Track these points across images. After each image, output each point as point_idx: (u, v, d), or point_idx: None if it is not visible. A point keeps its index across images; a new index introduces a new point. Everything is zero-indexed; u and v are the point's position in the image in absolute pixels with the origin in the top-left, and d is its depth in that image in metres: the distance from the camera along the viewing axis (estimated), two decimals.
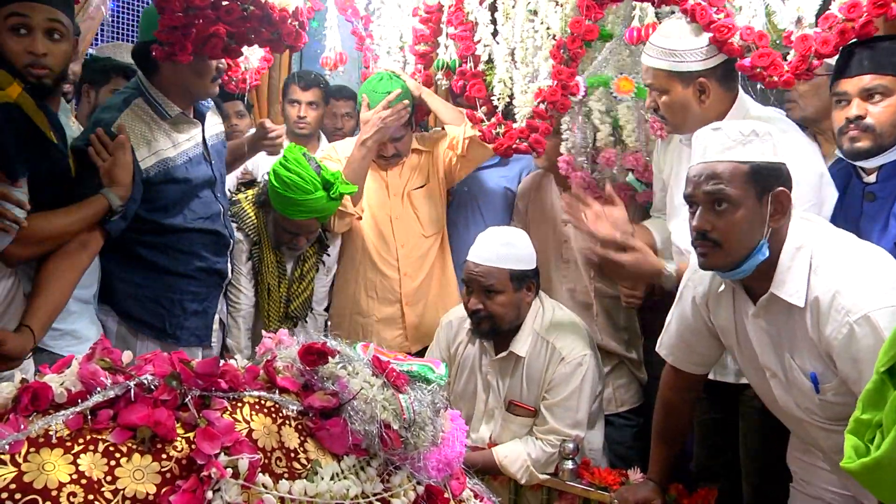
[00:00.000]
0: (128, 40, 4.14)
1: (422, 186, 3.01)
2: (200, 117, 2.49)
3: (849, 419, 1.45)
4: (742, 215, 1.62)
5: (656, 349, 2.08)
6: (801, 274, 1.62)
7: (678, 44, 2.10)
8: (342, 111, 3.66)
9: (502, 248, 2.42)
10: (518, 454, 2.36)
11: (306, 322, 2.87)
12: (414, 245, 2.96)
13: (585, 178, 2.64)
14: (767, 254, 1.63)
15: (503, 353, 2.46)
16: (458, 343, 2.61)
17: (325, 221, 2.78)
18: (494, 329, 2.43)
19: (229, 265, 2.60)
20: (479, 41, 2.69)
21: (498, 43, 2.67)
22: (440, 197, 3.03)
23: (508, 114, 2.69)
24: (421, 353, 2.80)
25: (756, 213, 1.62)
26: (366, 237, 2.96)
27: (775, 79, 2.05)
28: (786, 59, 2.06)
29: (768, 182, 1.63)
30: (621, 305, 2.77)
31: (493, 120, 2.65)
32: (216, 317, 2.57)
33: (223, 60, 2.45)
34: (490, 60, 2.72)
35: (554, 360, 2.40)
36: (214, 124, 2.60)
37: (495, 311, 2.39)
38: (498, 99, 2.67)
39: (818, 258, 1.63)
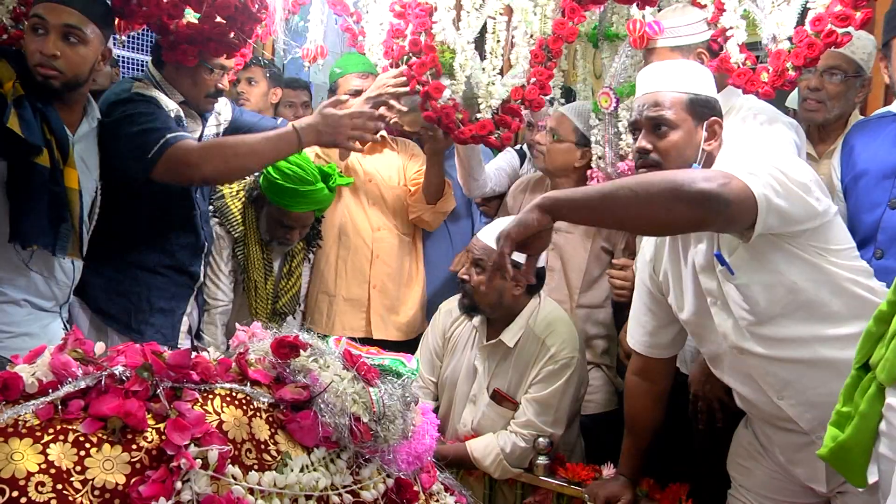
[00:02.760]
0: None
1: (397, 185, 3.03)
2: (203, 117, 2.50)
3: (778, 324, 1.65)
4: (679, 137, 1.77)
5: (624, 338, 2.14)
6: None
7: (675, 20, 2.21)
8: (300, 100, 3.72)
9: None
10: (491, 448, 2.38)
11: (294, 318, 2.88)
12: (388, 233, 2.98)
13: None
14: None
15: (493, 341, 2.50)
16: (454, 328, 2.66)
17: (320, 215, 2.81)
18: (473, 306, 2.48)
19: (202, 268, 2.59)
20: (436, 22, 2.59)
21: (459, 31, 2.57)
22: (406, 208, 3.05)
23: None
24: (395, 346, 2.82)
25: (692, 136, 1.78)
26: (343, 215, 2.96)
27: (759, 91, 2.12)
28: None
29: (703, 112, 1.78)
30: (600, 314, 2.81)
31: (450, 103, 2.57)
32: (185, 320, 2.54)
33: (225, 81, 2.46)
34: (445, 44, 2.63)
35: (542, 356, 2.43)
36: (215, 124, 2.60)
37: (477, 288, 2.43)
38: (455, 84, 2.62)
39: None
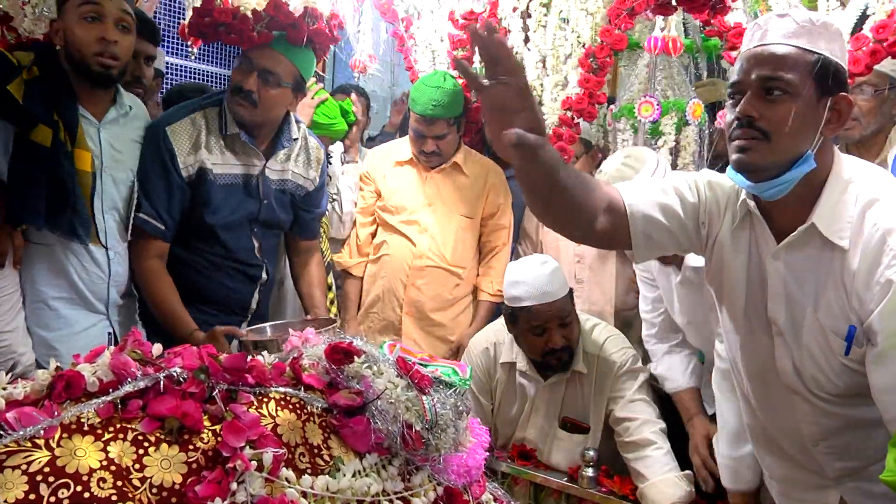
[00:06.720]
0: None
1: (469, 217, 2.94)
2: (271, 153, 2.42)
3: (857, 395, 1.38)
4: (798, 108, 1.33)
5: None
6: (849, 210, 1.36)
7: None
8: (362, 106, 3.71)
9: (554, 276, 2.35)
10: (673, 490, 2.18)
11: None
12: (433, 264, 2.91)
13: None
14: (814, 164, 1.37)
15: (563, 375, 2.42)
16: (499, 367, 2.54)
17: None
18: (570, 358, 2.40)
19: (256, 297, 2.51)
20: (511, 48, 2.71)
21: (529, 50, 2.69)
22: (475, 240, 2.98)
23: None
24: None
25: (812, 112, 1.35)
26: (386, 235, 2.96)
27: None
28: None
29: (832, 83, 1.35)
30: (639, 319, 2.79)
31: None
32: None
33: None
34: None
35: (608, 369, 2.39)
36: (297, 171, 2.52)
37: (572, 340, 2.38)
38: None
39: (870, 195, 1.36)
